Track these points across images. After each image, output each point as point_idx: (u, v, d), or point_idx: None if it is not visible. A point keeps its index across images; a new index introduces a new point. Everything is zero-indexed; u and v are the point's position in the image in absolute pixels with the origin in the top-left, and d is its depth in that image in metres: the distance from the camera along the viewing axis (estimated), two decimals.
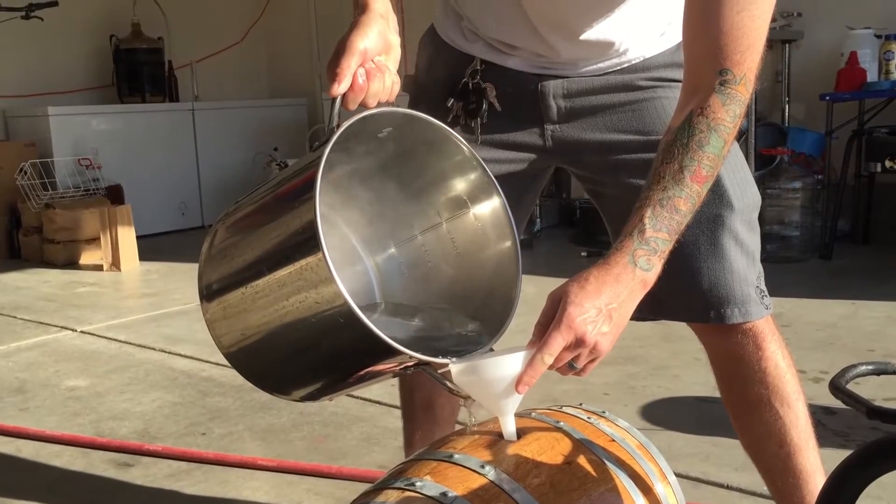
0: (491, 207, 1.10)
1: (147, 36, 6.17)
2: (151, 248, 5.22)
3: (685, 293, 1.20)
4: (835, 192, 4.31)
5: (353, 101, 1.00)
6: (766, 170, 4.26)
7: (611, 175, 1.29)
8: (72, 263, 4.98)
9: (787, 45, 4.58)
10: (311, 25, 6.97)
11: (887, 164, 4.06)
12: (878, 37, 4.23)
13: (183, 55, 6.46)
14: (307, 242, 0.92)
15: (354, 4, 1.07)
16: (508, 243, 1.08)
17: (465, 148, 1.08)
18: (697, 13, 1.03)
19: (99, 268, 4.85)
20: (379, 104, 1.03)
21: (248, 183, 6.08)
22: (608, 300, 0.91)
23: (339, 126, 0.97)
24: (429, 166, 1.12)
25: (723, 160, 1.01)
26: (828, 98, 4.21)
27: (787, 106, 4.70)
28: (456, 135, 1.07)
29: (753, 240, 1.22)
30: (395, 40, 1.06)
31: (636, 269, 0.94)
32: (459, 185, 1.13)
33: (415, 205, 1.16)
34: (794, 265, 4.13)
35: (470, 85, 1.31)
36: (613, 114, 1.28)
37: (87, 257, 5.00)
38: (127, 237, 4.82)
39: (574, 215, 5.41)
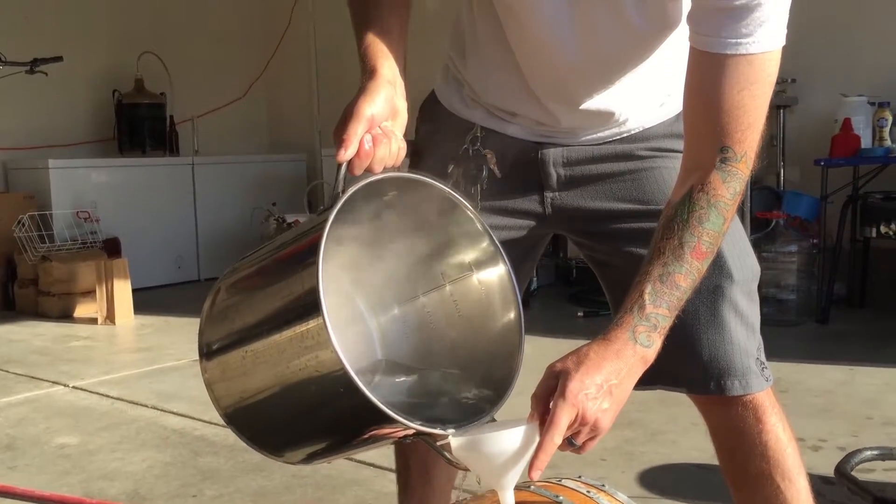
0: (497, 275, 1.10)
1: (150, 91, 6.25)
2: (147, 301, 5.20)
3: (685, 364, 1.20)
4: (831, 256, 4.33)
5: (359, 166, 1.01)
6: (761, 233, 4.29)
7: (609, 243, 1.29)
8: (66, 316, 4.96)
9: (781, 111, 4.64)
10: (312, 82, 7.06)
11: (882, 229, 4.09)
12: (872, 104, 4.29)
13: (185, 110, 6.52)
14: (309, 308, 0.92)
15: (362, 69, 1.08)
16: (512, 314, 1.08)
17: (470, 214, 1.08)
18: (698, 91, 1.05)
19: (93, 321, 4.83)
20: (385, 169, 1.03)
21: (245, 237, 6.09)
22: (608, 376, 0.91)
23: (344, 191, 0.98)
24: (433, 230, 1.13)
25: (723, 236, 1.01)
26: (822, 163, 4.25)
27: (782, 170, 4.75)
28: (462, 200, 1.07)
29: (753, 311, 1.22)
30: (403, 105, 1.06)
31: (636, 345, 0.93)
32: (464, 250, 1.13)
33: (418, 267, 1.16)
34: (791, 329, 4.12)
35: (470, 151, 1.32)
36: (613, 182, 1.29)
37: (81, 310, 4.98)
38: (122, 290, 4.81)
39: (571, 274, 5.41)
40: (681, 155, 1.14)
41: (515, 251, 1.28)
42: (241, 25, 7.11)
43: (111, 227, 5.59)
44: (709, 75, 1.02)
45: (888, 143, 4.18)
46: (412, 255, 1.16)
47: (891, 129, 4.19)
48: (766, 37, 0.99)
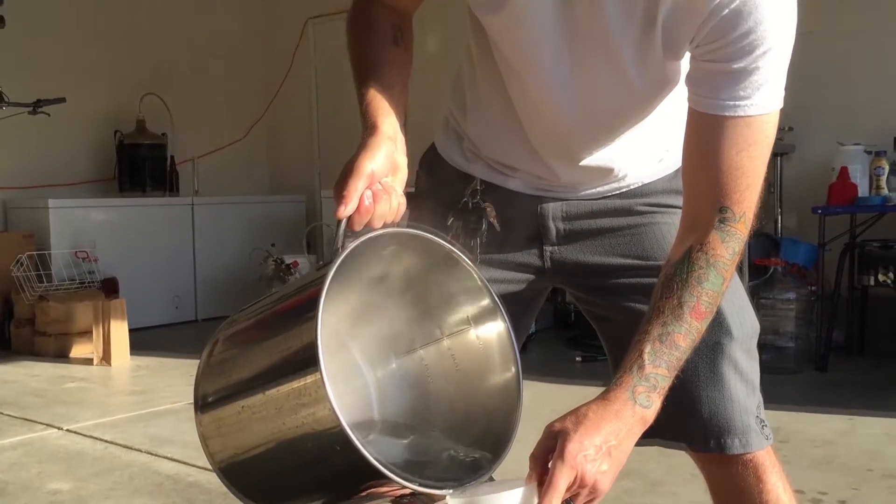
0: (496, 331, 1.10)
1: (151, 132, 6.28)
2: (143, 341, 5.18)
3: (685, 421, 1.19)
4: (829, 304, 4.32)
5: (359, 222, 1.01)
6: (759, 279, 4.29)
7: (608, 298, 1.29)
8: (62, 356, 4.93)
9: (779, 158, 4.67)
10: (313, 124, 7.12)
11: (880, 277, 4.10)
12: (869, 152, 4.32)
13: (186, 150, 6.56)
14: (306, 363, 0.92)
15: (363, 125, 1.08)
16: (510, 370, 1.07)
17: (470, 269, 1.08)
18: (697, 151, 1.06)
19: (89, 361, 4.80)
20: (384, 224, 1.04)
21: (244, 277, 6.10)
22: (608, 437, 0.90)
23: (344, 247, 0.98)
24: (432, 285, 1.12)
25: (721, 296, 1.02)
26: (820, 211, 4.27)
27: (779, 216, 4.77)
28: (462, 255, 1.07)
29: (753, 368, 1.22)
30: (403, 161, 1.07)
31: (636, 405, 0.93)
32: (463, 305, 1.13)
33: (417, 321, 1.16)
34: (790, 376, 4.11)
35: (470, 204, 1.32)
36: (612, 237, 1.29)
37: (77, 350, 4.95)
38: (119, 331, 4.79)
39: (569, 318, 5.40)
40: (678, 211, 1.14)
41: (514, 305, 1.28)
42: (244, 67, 7.19)
43: (110, 266, 5.59)
44: (707, 136, 1.03)
45: (885, 191, 4.20)
46: (411, 309, 1.16)
47: (887, 177, 4.22)
48: (764, 99, 1.00)
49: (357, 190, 0.99)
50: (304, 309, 0.97)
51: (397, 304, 1.14)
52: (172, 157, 6.46)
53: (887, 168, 4.20)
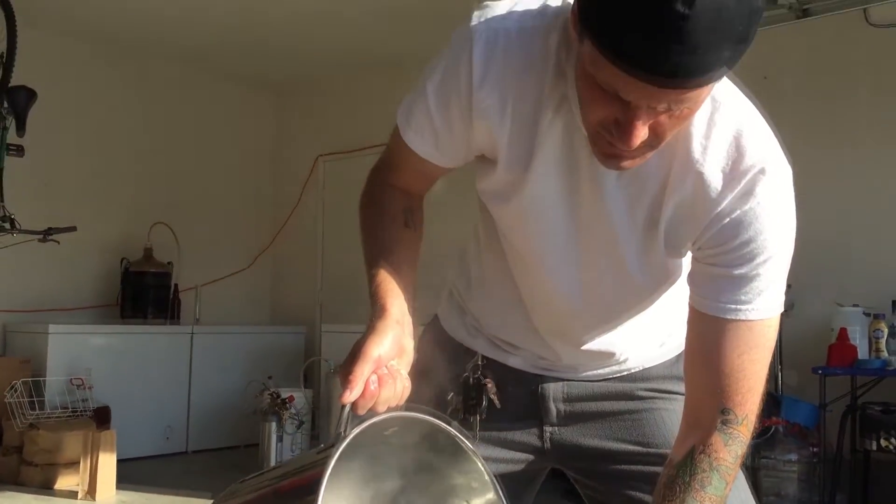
0: None
1: (157, 260, 6.36)
2: (131, 473, 5.06)
3: None
4: (831, 466, 4.25)
5: (363, 406, 1.02)
6: (761, 439, 4.24)
7: (608, 484, 1.28)
8: (47, 488, 4.81)
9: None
10: (317, 257, 7.21)
11: (882, 442, 4.04)
12: (867, 314, 4.35)
13: (190, 278, 6.61)
14: None
15: (372, 305, 1.10)
16: None
17: (475, 460, 1.08)
18: (699, 350, 1.08)
19: (74, 494, 4.68)
20: (388, 409, 1.04)
21: (239, 409, 6.03)
22: None
23: (347, 431, 0.98)
24: (435, 472, 1.12)
25: (724, 500, 1.01)
26: (820, 371, 4.26)
27: (780, 374, 4.75)
28: (467, 443, 1.07)
29: None
30: (410, 344, 1.08)
31: None
32: (464, 492, 1.12)
33: None
34: None
35: (471, 380, 1.34)
36: (613, 421, 1.29)
37: (63, 482, 4.83)
38: (107, 464, 4.69)
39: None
40: (681, 398, 1.15)
41: (513, 485, 1.27)
42: (253, 199, 7.34)
43: (104, 393, 5.52)
44: (709, 337, 1.05)
45: (885, 354, 4.21)
46: (410, 491, 1.15)
47: (887, 340, 4.23)
48: (765, 304, 1.03)
49: (363, 374, 1.00)
50: (305, 490, 0.96)
51: (398, 489, 1.13)
52: (176, 284, 6.50)
53: (886, 331, 4.22)
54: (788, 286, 4.26)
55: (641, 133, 0.91)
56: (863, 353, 4.27)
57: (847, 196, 4.74)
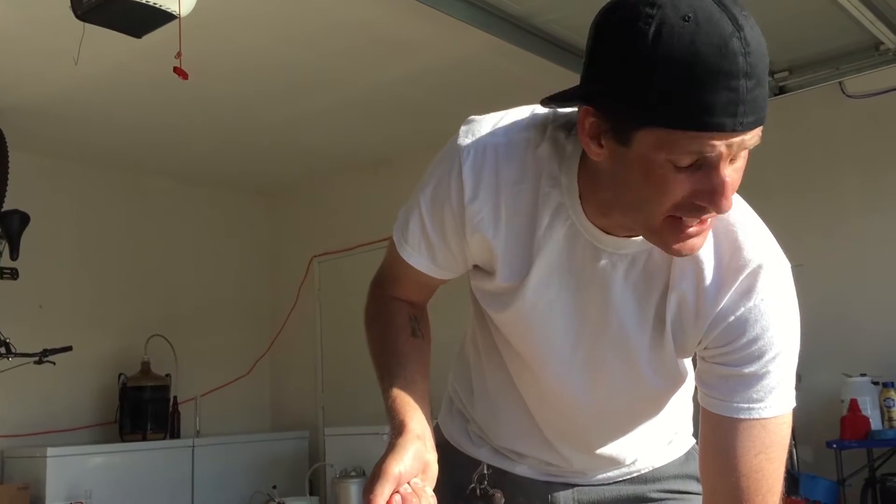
0: None
1: (155, 374, 6.28)
2: None
3: None
4: None
5: None
6: None
7: None
8: None
9: None
10: (317, 359, 7.13)
11: None
12: (876, 383, 4.29)
13: (189, 388, 6.52)
14: None
15: (391, 423, 1.08)
16: None
17: None
18: (714, 452, 1.05)
19: None
20: None
21: None
22: None
23: None
24: None
25: None
26: (835, 446, 4.18)
27: (794, 450, 4.65)
28: None
29: None
30: (433, 458, 1.05)
31: None
32: None
33: None
34: None
35: (478, 491, 1.30)
36: None
37: None
38: None
39: None
40: (692, 497, 1.12)
41: None
42: (250, 305, 7.31)
43: None
44: (723, 438, 1.02)
45: None
46: None
47: None
48: (777, 401, 1.01)
49: (384, 494, 0.97)
50: None
51: None
52: (175, 398, 6.41)
53: None
54: None
55: (731, 184, 0.91)
56: (875, 423, 4.20)
57: (843, 266, 4.74)
